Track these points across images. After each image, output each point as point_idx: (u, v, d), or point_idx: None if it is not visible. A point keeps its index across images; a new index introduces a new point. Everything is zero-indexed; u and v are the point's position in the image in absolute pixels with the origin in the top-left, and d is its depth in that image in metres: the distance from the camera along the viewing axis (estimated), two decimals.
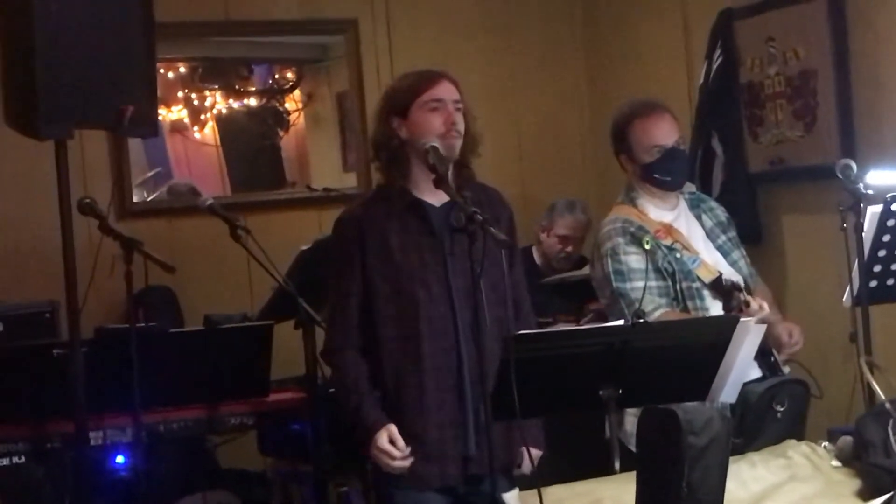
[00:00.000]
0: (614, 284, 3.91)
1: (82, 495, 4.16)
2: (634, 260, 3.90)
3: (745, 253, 4.15)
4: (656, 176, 4.01)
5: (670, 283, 3.90)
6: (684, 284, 3.89)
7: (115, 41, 4.03)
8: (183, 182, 6.46)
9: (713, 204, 4.25)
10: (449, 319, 3.45)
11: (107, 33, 4.01)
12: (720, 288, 3.82)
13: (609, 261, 3.94)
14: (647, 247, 3.85)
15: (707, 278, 3.91)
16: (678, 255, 3.92)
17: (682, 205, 4.11)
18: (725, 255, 4.07)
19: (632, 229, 3.95)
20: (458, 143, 3.45)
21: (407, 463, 3.39)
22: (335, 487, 4.91)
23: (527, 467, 3.49)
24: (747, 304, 3.64)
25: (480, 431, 3.36)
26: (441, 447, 3.44)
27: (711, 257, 4.01)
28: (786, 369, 3.91)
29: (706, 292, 3.90)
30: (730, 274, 3.92)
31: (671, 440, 2.57)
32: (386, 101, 3.57)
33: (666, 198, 4.08)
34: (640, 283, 3.87)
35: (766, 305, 3.71)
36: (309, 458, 4.53)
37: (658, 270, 3.90)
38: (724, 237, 4.12)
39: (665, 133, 3.99)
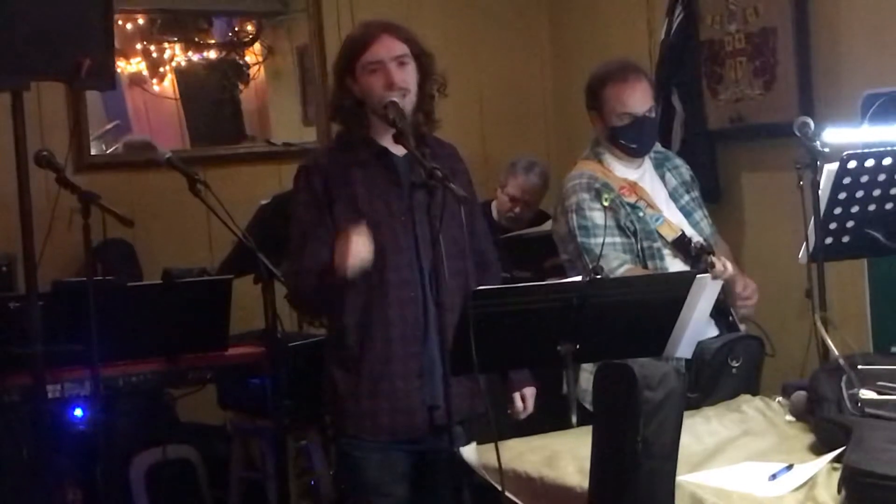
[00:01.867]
0: (579, 239, 3.92)
1: (40, 448, 4.16)
2: (599, 216, 3.90)
3: (706, 213, 4.17)
4: (622, 142, 4.01)
5: (633, 240, 3.92)
6: (645, 244, 3.91)
7: None
8: (139, 137, 6.41)
9: (678, 162, 4.25)
10: (415, 268, 3.45)
11: None
12: (686, 249, 3.84)
13: (574, 216, 3.94)
14: (605, 204, 3.86)
15: (669, 237, 3.92)
16: (641, 214, 3.93)
17: (648, 163, 4.11)
18: (688, 215, 4.07)
19: (596, 185, 3.95)
20: (407, 98, 3.43)
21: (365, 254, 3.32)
22: (294, 441, 4.93)
23: (519, 410, 3.62)
24: (712, 266, 3.66)
25: (445, 383, 3.38)
26: (407, 398, 3.44)
27: (674, 217, 4.02)
28: (742, 327, 3.94)
29: (666, 252, 3.92)
30: (692, 235, 3.94)
31: (627, 395, 2.59)
32: (337, 62, 3.57)
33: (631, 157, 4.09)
34: (606, 239, 3.88)
35: (729, 266, 3.73)
36: (268, 412, 4.54)
37: (621, 228, 3.91)
38: (687, 197, 4.12)
39: (637, 101, 3.98)
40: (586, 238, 3.91)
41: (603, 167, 4.03)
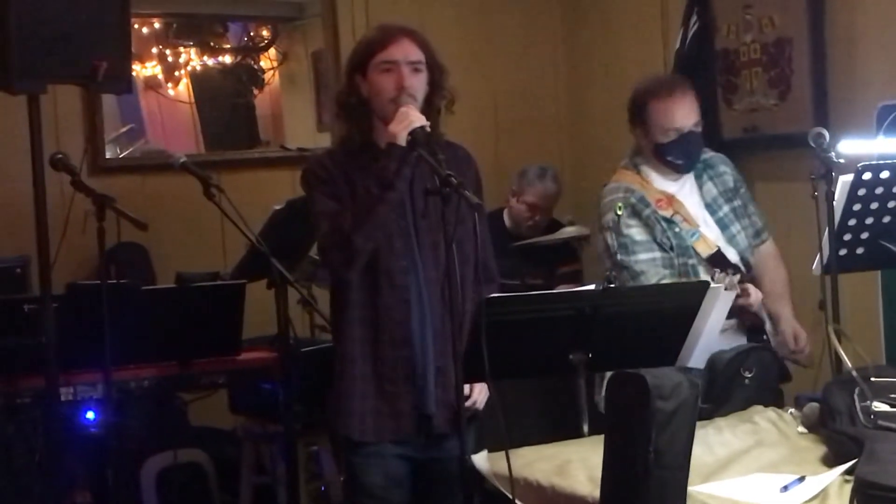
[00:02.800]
0: (618, 257, 3.89)
1: (52, 451, 4.17)
2: (636, 232, 3.88)
3: (751, 220, 4.09)
4: (669, 158, 3.95)
5: (672, 254, 3.88)
6: (680, 260, 3.87)
7: None
8: (153, 148, 6.43)
9: (723, 168, 4.13)
10: (410, 273, 3.43)
11: None
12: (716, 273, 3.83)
13: (612, 234, 3.91)
14: (619, 212, 3.85)
15: (705, 253, 3.88)
16: (677, 230, 3.89)
17: (688, 174, 4.07)
18: (724, 228, 4.00)
19: (633, 200, 3.92)
20: (413, 105, 3.38)
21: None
22: (305, 447, 4.93)
23: (478, 402, 3.47)
24: (745, 295, 3.71)
25: (444, 390, 3.37)
26: (393, 402, 3.43)
27: (711, 233, 3.97)
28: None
29: (701, 268, 3.88)
30: (725, 250, 3.92)
31: (639, 404, 2.59)
32: (350, 58, 3.55)
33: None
34: (644, 256, 3.86)
35: (754, 296, 3.77)
36: (279, 417, 4.55)
37: (658, 243, 3.89)
38: (727, 207, 4.02)
39: (684, 116, 3.92)
40: (625, 256, 3.88)
41: (641, 178, 3.98)
